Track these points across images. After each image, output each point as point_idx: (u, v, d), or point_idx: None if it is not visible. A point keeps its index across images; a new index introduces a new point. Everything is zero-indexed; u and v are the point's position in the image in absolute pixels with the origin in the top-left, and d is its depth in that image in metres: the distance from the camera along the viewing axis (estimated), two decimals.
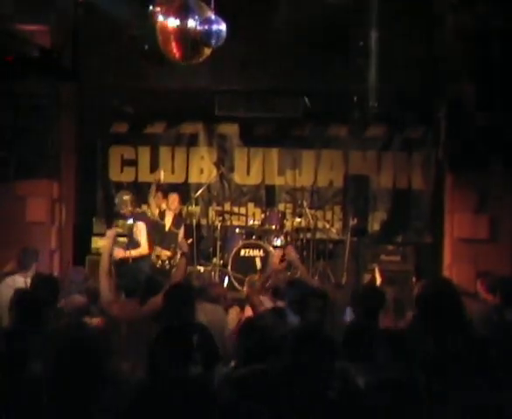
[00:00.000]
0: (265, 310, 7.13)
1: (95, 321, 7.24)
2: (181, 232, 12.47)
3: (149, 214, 12.25)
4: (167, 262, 12.05)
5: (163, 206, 12.38)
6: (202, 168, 14.15)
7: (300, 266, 8.51)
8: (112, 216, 13.27)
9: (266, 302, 7.67)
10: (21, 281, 8.01)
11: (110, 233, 8.21)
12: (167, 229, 12.35)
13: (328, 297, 7.06)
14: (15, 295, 6.48)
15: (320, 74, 11.77)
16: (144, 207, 12.74)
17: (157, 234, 12.16)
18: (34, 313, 6.20)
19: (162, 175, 12.54)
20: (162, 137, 14.14)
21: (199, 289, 7.99)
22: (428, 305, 5.86)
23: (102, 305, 7.23)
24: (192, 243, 12.72)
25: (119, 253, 10.90)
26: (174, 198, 12.49)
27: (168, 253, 12.11)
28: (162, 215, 12.37)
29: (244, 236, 12.97)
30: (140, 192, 13.53)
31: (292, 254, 8.67)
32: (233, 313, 8.90)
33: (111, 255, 7.87)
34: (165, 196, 12.43)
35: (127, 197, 11.36)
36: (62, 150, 12.14)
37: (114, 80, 12.07)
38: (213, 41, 8.39)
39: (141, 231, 11.33)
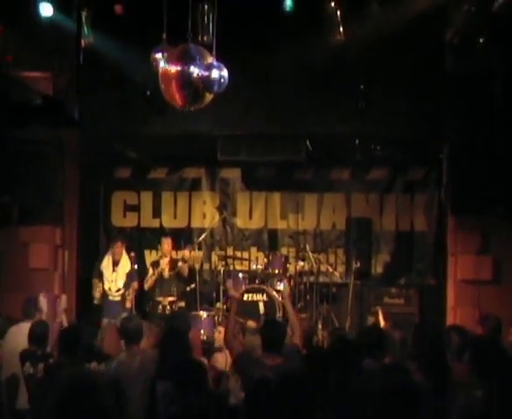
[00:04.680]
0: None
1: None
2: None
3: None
4: (168, 307, 12.02)
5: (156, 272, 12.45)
6: (204, 213, 14.14)
7: (289, 306, 8.15)
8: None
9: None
10: (26, 329, 8.06)
11: None
12: (166, 277, 12.37)
13: None
14: None
15: (321, 118, 11.79)
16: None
17: (157, 286, 12.27)
18: None
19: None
20: (165, 182, 14.16)
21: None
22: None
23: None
24: (195, 287, 12.72)
25: None
26: (167, 242, 12.59)
27: (170, 299, 12.12)
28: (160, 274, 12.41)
29: (247, 281, 12.90)
30: (142, 238, 13.57)
31: (286, 289, 8.66)
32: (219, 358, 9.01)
33: None
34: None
35: None
36: (65, 196, 12.16)
37: (117, 126, 12.12)
38: (215, 87, 8.40)
39: None
